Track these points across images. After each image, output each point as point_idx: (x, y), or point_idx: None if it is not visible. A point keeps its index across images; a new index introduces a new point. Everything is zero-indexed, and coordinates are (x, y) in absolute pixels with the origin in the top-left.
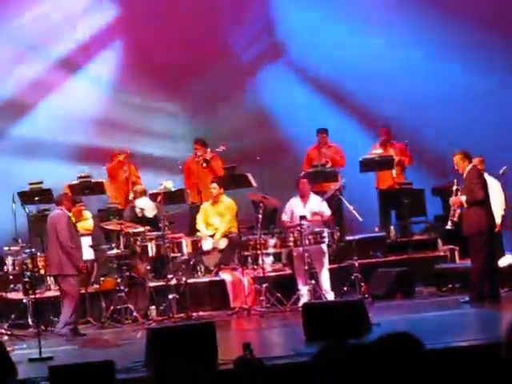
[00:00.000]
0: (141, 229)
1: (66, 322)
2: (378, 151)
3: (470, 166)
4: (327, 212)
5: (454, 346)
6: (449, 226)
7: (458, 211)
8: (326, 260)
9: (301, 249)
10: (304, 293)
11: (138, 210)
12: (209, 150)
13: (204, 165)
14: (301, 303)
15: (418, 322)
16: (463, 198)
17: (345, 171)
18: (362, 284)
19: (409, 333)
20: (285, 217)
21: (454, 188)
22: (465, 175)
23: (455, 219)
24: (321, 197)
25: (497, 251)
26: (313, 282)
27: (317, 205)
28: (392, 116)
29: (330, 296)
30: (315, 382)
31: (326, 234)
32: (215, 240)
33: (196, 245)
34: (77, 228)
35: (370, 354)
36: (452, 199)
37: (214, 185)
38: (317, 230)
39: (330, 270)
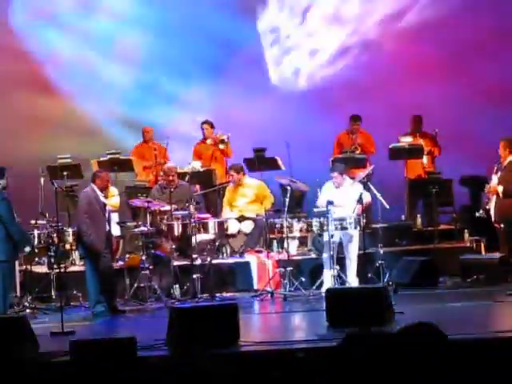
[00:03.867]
0: (167, 207)
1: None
2: (407, 139)
3: (511, 157)
4: (366, 198)
5: (477, 337)
6: (480, 213)
7: (493, 199)
8: (353, 246)
9: (327, 234)
10: (328, 278)
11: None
12: (219, 131)
13: (221, 146)
14: (323, 288)
15: (442, 311)
16: (500, 189)
17: (374, 158)
18: (387, 272)
19: (432, 323)
20: (318, 203)
21: (493, 176)
22: (505, 164)
23: (488, 207)
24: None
25: None
26: (337, 267)
27: (353, 192)
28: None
29: (355, 283)
30: (341, 367)
31: (352, 221)
32: (242, 224)
33: (222, 226)
34: (105, 207)
35: (394, 343)
36: (487, 187)
37: (233, 172)
38: (342, 216)
39: (360, 255)
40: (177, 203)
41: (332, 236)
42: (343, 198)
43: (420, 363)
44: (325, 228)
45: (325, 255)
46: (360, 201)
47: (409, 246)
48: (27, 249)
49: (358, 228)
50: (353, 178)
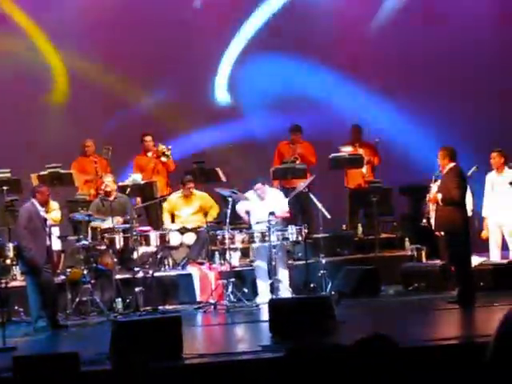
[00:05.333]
0: (109, 221)
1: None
2: (347, 149)
3: (451, 165)
4: (284, 206)
5: (422, 345)
6: (423, 222)
7: (433, 208)
8: (286, 257)
9: (265, 245)
10: (263, 289)
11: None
12: (160, 144)
13: (163, 159)
14: (258, 300)
15: (385, 320)
16: (439, 196)
17: (315, 169)
18: (329, 281)
19: (383, 334)
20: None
21: (432, 185)
22: (444, 172)
23: (429, 216)
24: (289, 193)
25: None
26: (280, 277)
27: (274, 199)
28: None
29: (288, 293)
30: (285, 380)
31: (293, 231)
32: (184, 236)
33: (163, 238)
34: (45, 222)
35: (348, 356)
36: (429, 196)
37: (191, 183)
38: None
39: (298, 267)
40: (117, 216)
41: (274, 247)
42: (265, 208)
43: (373, 375)
44: (266, 239)
45: (259, 264)
46: (272, 213)
47: (350, 255)
48: None
49: (295, 238)
50: (294, 189)
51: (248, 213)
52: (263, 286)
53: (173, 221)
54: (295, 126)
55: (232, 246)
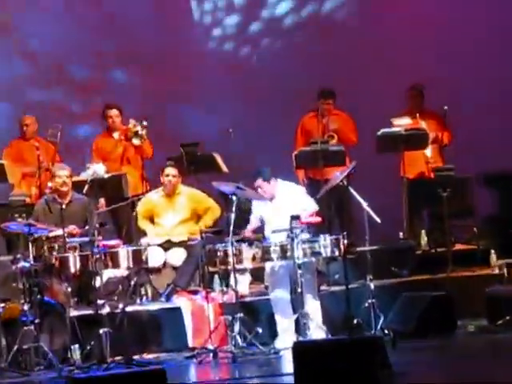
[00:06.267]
0: (59, 232)
1: None
2: (403, 122)
3: None
4: (310, 207)
5: None
6: None
7: None
8: (317, 281)
9: (284, 263)
10: (285, 327)
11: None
12: (131, 119)
13: (136, 141)
14: (278, 343)
15: (463, 371)
16: None
17: (356, 151)
18: (380, 315)
19: None
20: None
21: None
22: None
23: None
24: (320, 187)
25: None
26: (302, 310)
27: (290, 197)
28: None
29: (321, 333)
30: None
31: (327, 243)
32: (168, 253)
33: (139, 257)
34: None
35: None
36: None
37: (172, 170)
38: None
39: (334, 295)
40: (72, 225)
41: (300, 266)
42: (280, 212)
43: None
44: (288, 254)
45: (278, 292)
46: (296, 217)
47: (411, 276)
48: None
49: (330, 253)
50: (326, 181)
51: (262, 220)
52: (284, 323)
53: (153, 232)
54: (326, 89)
55: (239, 267)
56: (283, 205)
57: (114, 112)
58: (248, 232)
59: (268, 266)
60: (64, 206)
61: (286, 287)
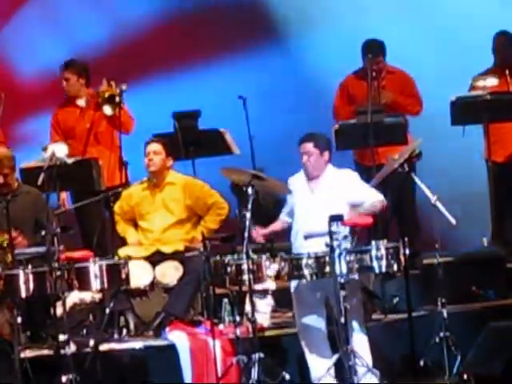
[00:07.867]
0: (3, 239)
1: None
2: (488, 82)
3: None
4: (375, 197)
5: None
6: None
7: None
8: (364, 306)
9: (323, 281)
10: (321, 371)
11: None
12: (104, 79)
13: (107, 111)
14: None
15: None
16: None
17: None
18: (457, 353)
19: None
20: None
21: None
22: None
23: None
24: (371, 176)
25: None
26: (346, 347)
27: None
28: None
29: (374, 379)
30: None
31: (380, 254)
32: (157, 268)
33: (117, 274)
34: None
35: None
36: None
37: (155, 145)
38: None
39: (391, 326)
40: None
41: (343, 286)
42: (320, 208)
43: None
44: (327, 270)
45: (311, 322)
46: (337, 218)
47: (499, 299)
48: None
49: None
50: (379, 166)
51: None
52: (320, 365)
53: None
54: (372, 41)
55: (257, 287)
56: (331, 196)
57: (72, 72)
58: (277, 225)
59: (294, 284)
60: (7, 201)
61: (321, 313)
